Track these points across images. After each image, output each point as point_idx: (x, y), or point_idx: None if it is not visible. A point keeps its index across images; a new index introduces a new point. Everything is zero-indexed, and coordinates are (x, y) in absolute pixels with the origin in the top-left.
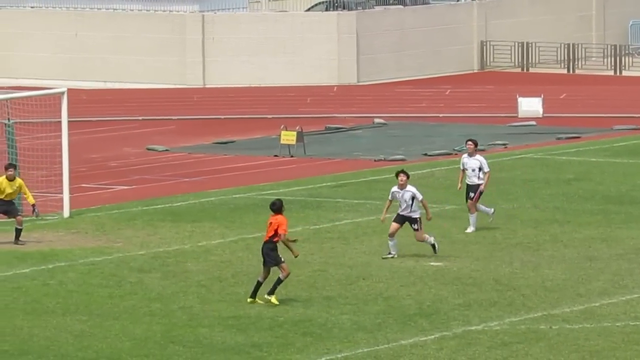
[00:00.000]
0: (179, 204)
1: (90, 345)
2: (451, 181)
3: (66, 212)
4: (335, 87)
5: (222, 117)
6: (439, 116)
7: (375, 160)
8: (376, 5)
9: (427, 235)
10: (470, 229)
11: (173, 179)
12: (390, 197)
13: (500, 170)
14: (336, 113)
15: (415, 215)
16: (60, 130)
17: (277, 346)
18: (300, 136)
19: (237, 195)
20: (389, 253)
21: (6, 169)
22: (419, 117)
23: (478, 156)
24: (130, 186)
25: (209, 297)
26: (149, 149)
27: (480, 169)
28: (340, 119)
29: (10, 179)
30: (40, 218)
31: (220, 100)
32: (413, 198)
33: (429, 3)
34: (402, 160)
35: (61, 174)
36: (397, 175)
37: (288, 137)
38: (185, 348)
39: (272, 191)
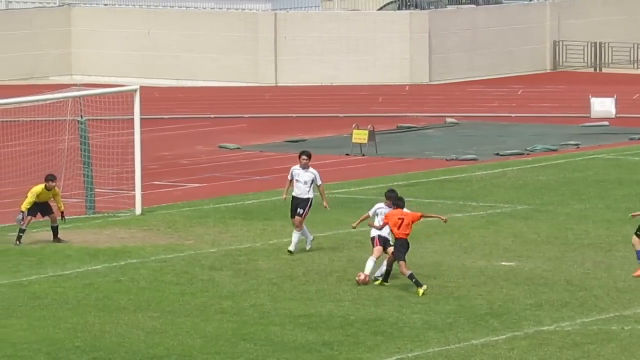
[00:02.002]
0: (250, 202)
1: (161, 342)
2: (523, 181)
3: (138, 210)
4: (408, 87)
5: (294, 115)
6: (511, 116)
7: (447, 160)
8: (449, 4)
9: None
10: (292, 247)
11: (245, 177)
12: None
13: (572, 171)
14: (408, 112)
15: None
16: (132, 127)
17: (348, 345)
18: (372, 135)
19: None
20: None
21: (48, 180)
22: (491, 117)
23: (312, 169)
24: (202, 184)
25: (280, 295)
26: (221, 147)
27: (313, 182)
28: (412, 119)
29: (49, 189)
30: (64, 222)
31: (292, 99)
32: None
33: (501, 3)
34: (474, 160)
35: (133, 172)
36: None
37: (360, 136)
38: (256, 346)
39: (343, 190)
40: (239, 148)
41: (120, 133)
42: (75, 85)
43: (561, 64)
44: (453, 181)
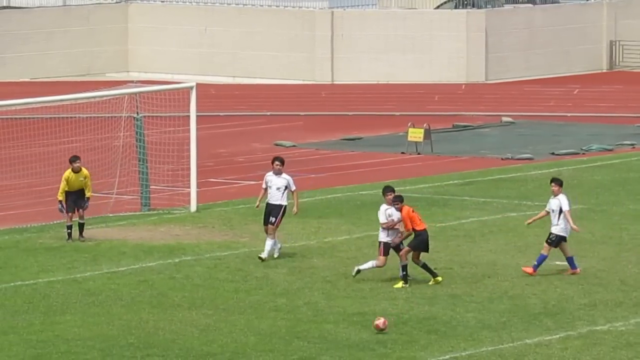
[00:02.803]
0: (305, 199)
1: (215, 339)
2: (578, 181)
3: (193, 207)
4: (464, 85)
5: (350, 113)
6: (567, 115)
7: (502, 159)
8: (505, 3)
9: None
10: (264, 255)
11: (300, 175)
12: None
13: (628, 171)
14: (464, 111)
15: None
16: (188, 124)
17: (401, 343)
18: (427, 134)
19: (364, 192)
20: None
21: (71, 162)
22: (547, 116)
23: (285, 175)
24: (257, 181)
25: (334, 293)
26: (276, 145)
27: (286, 187)
28: (468, 117)
29: (76, 171)
30: (85, 207)
31: (348, 97)
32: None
33: (558, 2)
34: (530, 159)
35: (189, 168)
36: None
37: (415, 134)
38: (310, 344)
39: (398, 188)
40: (294, 145)
41: (176, 130)
42: (132, 81)
43: (617, 63)
44: (508, 180)
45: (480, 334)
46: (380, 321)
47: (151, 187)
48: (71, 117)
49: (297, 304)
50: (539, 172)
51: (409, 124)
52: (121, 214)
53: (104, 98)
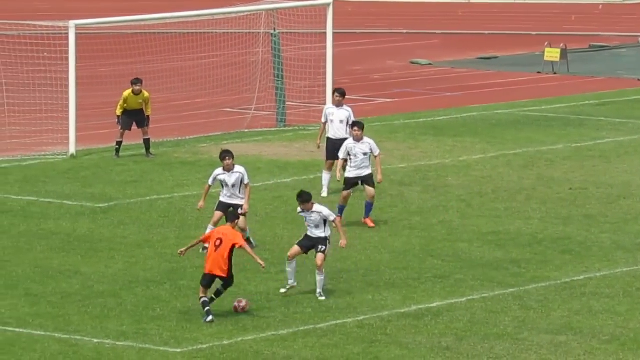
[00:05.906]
0: (440, 118)
1: (349, 256)
2: None
3: None
4: (601, 5)
5: (486, 32)
6: None
7: (639, 80)
8: None
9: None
10: (325, 193)
11: (436, 93)
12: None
13: None
14: (601, 31)
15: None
16: (324, 41)
17: (535, 263)
18: (564, 53)
19: (499, 111)
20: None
21: (132, 84)
22: None
23: (347, 107)
24: (392, 99)
25: (468, 212)
26: (412, 63)
27: (348, 120)
28: (604, 38)
29: (136, 93)
30: (148, 126)
31: (485, 16)
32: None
33: None
34: None
35: (324, 85)
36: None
37: (552, 54)
38: (443, 262)
39: (534, 107)
40: (430, 64)
41: (313, 46)
42: None
43: None
44: None
45: (614, 254)
46: (241, 305)
47: (287, 103)
48: (208, 33)
49: (431, 222)
50: None
51: (546, 44)
52: (257, 130)
53: (241, 14)
